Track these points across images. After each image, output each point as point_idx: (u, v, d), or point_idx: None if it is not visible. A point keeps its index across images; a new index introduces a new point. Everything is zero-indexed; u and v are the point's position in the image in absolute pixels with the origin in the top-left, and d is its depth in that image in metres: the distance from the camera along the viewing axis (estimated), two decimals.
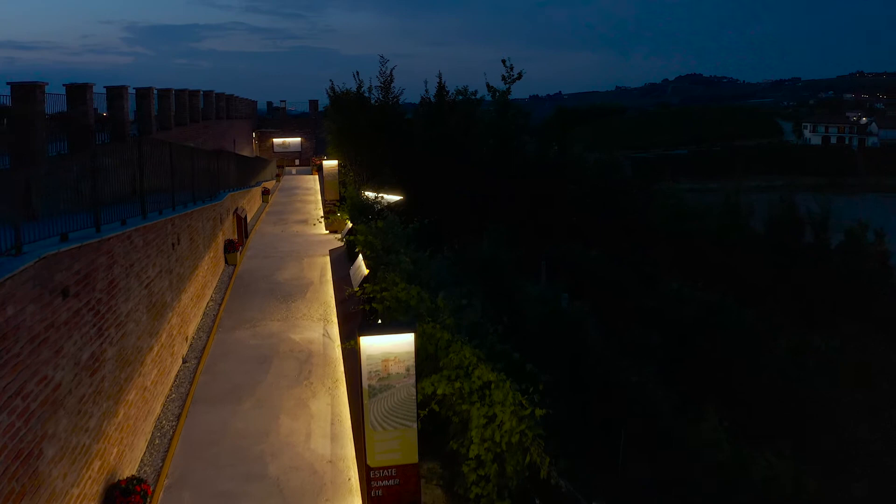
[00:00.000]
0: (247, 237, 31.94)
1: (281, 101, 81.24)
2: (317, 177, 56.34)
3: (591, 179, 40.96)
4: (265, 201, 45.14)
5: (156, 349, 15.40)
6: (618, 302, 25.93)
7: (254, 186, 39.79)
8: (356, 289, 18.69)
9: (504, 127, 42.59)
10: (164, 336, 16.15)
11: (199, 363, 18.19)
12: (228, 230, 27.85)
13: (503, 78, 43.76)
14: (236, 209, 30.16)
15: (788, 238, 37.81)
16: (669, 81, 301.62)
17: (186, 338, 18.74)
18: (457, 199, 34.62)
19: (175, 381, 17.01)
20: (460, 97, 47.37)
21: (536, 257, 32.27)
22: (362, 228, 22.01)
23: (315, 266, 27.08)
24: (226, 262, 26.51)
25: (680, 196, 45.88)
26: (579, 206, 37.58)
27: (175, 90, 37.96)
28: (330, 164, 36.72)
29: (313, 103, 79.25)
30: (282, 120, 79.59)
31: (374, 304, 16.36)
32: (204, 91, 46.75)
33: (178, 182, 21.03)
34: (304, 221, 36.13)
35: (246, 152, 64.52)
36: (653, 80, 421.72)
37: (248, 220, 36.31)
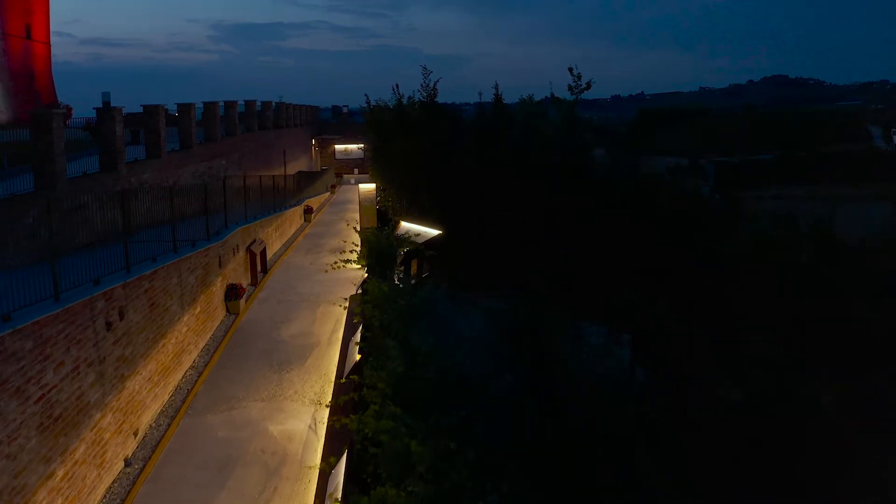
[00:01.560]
0: (266, 272, 28.41)
1: (344, 105, 78.11)
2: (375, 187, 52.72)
3: (665, 207, 36.01)
4: (307, 220, 41.72)
5: (60, 473, 11.82)
6: (689, 380, 21.53)
7: (289, 208, 36.34)
8: (343, 379, 14.88)
9: (569, 144, 38.08)
10: (80, 450, 12.56)
11: (144, 466, 14.61)
12: (235, 271, 24.32)
13: (570, 88, 39.28)
14: (251, 244, 26.62)
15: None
16: (754, 82, 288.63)
17: (135, 432, 15.18)
18: (504, 235, 30.42)
19: (104, 498, 13.45)
20: (525, 107, 43.11)
21: (593, 305, 28.04)
22: (372, 287, 18.10)
23: (330, 317, 23.31)
24: (227, 310, 22.99)
25: (766, 222, 40.25)
26: (649, 241, 32.81)
27: (206, 102, 34.96)
28: (367, 187, 33.12)
29: None
30: (344, 125, 76.40)
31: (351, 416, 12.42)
32: (246, 100, 43.74)
33: (145, 228, 17.67)
34: (340, 250, 32.39)
35: (301, 162, 61.58)
36: (737, 80, 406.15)
37: (278, 248, 32.89)
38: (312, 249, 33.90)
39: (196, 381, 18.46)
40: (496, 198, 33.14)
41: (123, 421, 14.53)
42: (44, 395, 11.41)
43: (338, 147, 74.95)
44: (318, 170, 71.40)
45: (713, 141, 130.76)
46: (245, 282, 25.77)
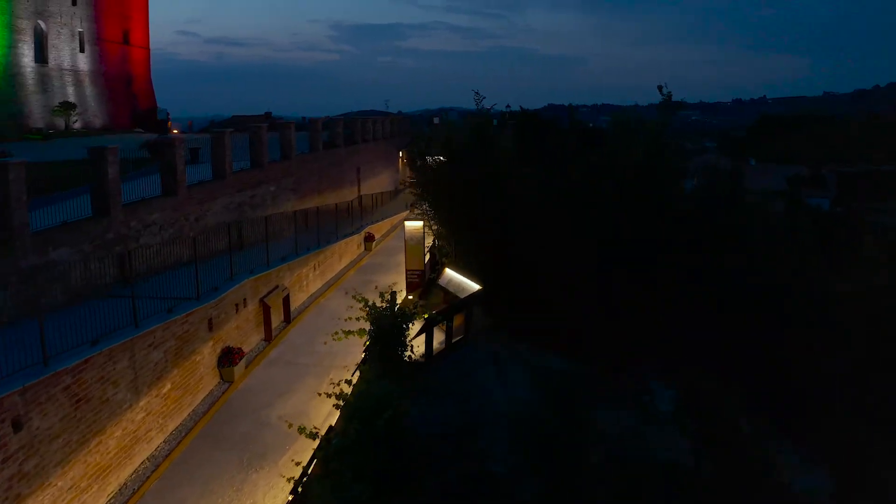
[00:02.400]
0: (290, 321, 25.74)
1: (435, 115, 75.21)
2: None
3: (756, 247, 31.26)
4: (367, 249, 39.07)
5: None
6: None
7: (336, 241, 33.69)
8: None
9: (652, 180, 33.63)
10: None
11: None
12: (239, 330, 21.72)
13: (659, 109, 34.90)
14: (267, 293, 23.96)
15: None
16: (880, 87, 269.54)
17: None
18: (565, 272, 26.67)
19: None
20: (616, 126, 39.04)
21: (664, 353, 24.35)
22: (348, 391, 15.09)
23: (336, 389, 20.32)
24: (221, 377, 20.38)
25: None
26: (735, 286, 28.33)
27: (251, 126, 32.61)
28: (413, 225, 30.05)
29: None
30: (435, 136, 73.54)
31: None
32: (309, 118, 41.47)
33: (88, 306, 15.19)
34: (391, 287, 29.37)
35: (382, 178, 59.14)
36: (862, 86, 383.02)
37: (316, 288, 30.20)
38: (359, 287, 30.99)
39: (148, 477, 15.87)
40: (560, 230, 29.44)
41: None
42: None
43: (427, 159, 72.26)
44: (404, 184, 69.00)
45: (836, 149, 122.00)
46: (257, 337, 23.22)
